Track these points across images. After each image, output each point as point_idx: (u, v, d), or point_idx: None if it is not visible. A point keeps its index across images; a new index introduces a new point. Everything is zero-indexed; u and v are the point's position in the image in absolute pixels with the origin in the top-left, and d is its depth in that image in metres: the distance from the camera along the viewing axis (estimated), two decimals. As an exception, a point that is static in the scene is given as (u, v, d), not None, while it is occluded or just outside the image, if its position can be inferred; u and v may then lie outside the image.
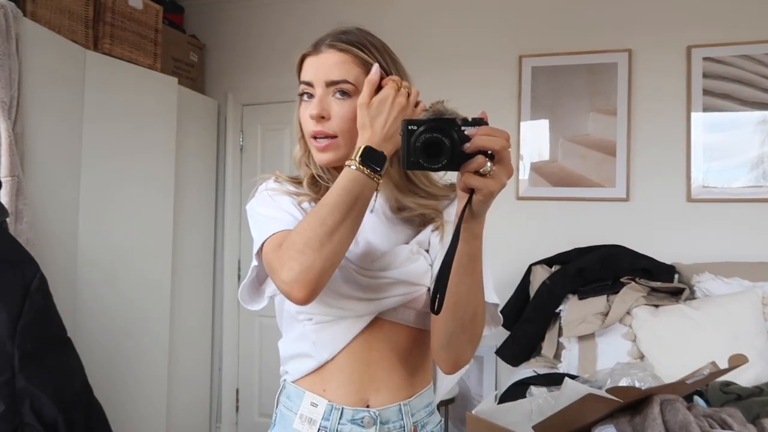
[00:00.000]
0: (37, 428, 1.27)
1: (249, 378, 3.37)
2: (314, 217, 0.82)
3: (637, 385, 1.45)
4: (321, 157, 0.95)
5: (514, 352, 2.55)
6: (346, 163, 0.85)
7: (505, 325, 2.65)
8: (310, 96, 0.94)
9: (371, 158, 0.84)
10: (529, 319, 2.52)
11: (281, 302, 1.03)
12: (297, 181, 1.02)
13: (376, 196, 0.98)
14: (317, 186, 0.99)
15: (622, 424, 1.23)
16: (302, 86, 0.95)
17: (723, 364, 1.37)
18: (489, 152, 0.73)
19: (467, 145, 0.73)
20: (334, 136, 0.93)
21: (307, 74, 0.95)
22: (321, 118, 0.92)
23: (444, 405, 2.64)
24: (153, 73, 2.78)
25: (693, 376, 1.31)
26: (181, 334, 3.07)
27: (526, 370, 2.38)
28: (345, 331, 0.94)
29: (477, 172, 0.74)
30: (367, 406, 0.95)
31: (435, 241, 0.98)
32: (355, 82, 0.92)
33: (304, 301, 0.81)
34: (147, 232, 2.75)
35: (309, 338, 0.96)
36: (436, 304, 0.78)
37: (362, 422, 0.93)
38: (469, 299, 0.86)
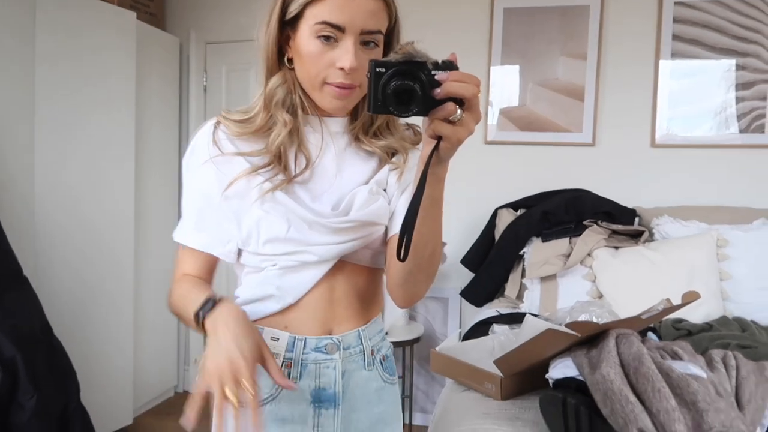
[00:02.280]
0: None
1: (217, 321, 3.37)
2: (180, 303, 0.93)
3: (594, 320, 1.50)
4: (335, 104, 0.90)
5: (478, 293, 2.61)
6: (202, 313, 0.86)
7: (470, 268, 2.71)
8: (332, 39, 0.86)
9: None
10: (493, 262, 2.56)
11: (238, 252, 0.98)
12: (246, 119, 0.95)
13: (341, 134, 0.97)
14: (266, 135, 0.93)
15: (578, 357, 1.28)
16: (324, 27, 0.85)
17: (677, 302, 1.42)
18: (459, 99, 0.72)
19: (437, 91, 0.71)
20: (355, 86, 0.89)
21: (337, 17, 0.85)
22: (353, 70, 0.86)
23: (409, 344, 2.70)
24: (109, 6, 2.64)
25: (648, 312, 1.36)
26: (146, 274, 3.04)
27: (489, 310, 2.43)
28: (310, 276, 0.95)
29: (446, 120, 0.72)
30: (330, 335, 0.96)
31: (392, 181, 0.98)
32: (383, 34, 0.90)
33: None
34: (108, 174, 2.68)
35: (273, 283, 0.95)
36: (402, 251, 0.78)
37: (326, 349, 0.95)
38: (428, 240, 0.86)
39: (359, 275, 0.99)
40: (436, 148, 0.75)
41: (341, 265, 0.96)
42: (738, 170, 2.63)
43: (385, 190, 0.98)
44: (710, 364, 1.20)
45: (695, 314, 2.08)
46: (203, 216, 0.95)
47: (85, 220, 2.56)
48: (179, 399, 3.33)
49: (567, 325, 1.24)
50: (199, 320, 0.85)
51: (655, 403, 1.08)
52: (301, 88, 0.93)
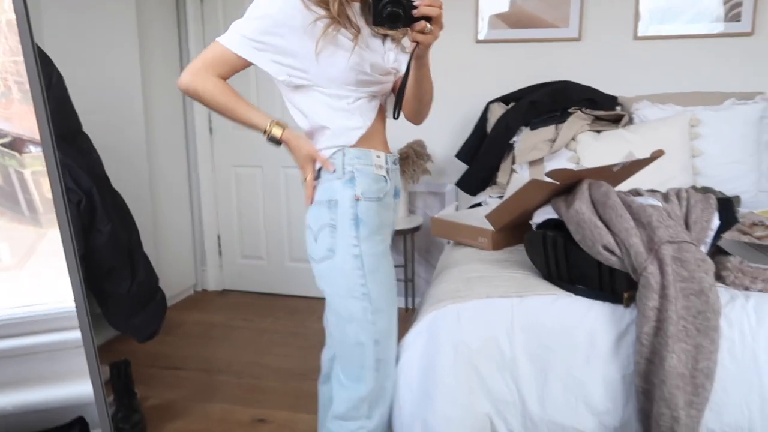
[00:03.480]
0: (78, 192, 1.47)
1: (229, 224, 3.61)
2: (220, 99, 1.27)
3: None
4: None
5: (472, 182, 2.82)
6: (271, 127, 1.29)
7: (464, 160, 2.91)
8: None
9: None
10: (486, 152, 2.76)
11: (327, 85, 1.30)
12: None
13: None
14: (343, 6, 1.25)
15: (557, 202, 1.50)
16: None
17: (650, 175, 1.64)
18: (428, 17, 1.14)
19: (414, 12, 1.14)
20: None
21: None
22: None
23: (409, 233, 2.95)
24: None
25: (618, 164, 1.57)
26: (159, 189, 3.25)
27: (482, 197, 2.66)
28: (375, 104, 1.37)
29: (421, 32, 1.15)
30: (390, 153, 1.42)
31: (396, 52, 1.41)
32: None
33: (183, 82, 1.27)
34: (114, 92, 2.81)
35: (356, 113, 1.31)
36: (396, 112, 1.32)
37: (395, 162, 1.42)
38: (427, 90, 1.36)
39: (381, 110, 1.42)
40: (415, 49, 1.22)
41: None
42: (714, 58, 2.78)
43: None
44: (666, 198, 1.42)
45: (667, 186, 2.31)
46: (267, 40, 1.24)
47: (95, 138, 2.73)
48: (199, 296, 3.62)
49: (547, 174, 1.45)
50: (278, 129, 1.30)
51: (617, 225, 1.30)
52: None
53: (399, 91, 1.28)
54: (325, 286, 1.33)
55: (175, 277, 3.43)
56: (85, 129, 2.61)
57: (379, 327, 1.31)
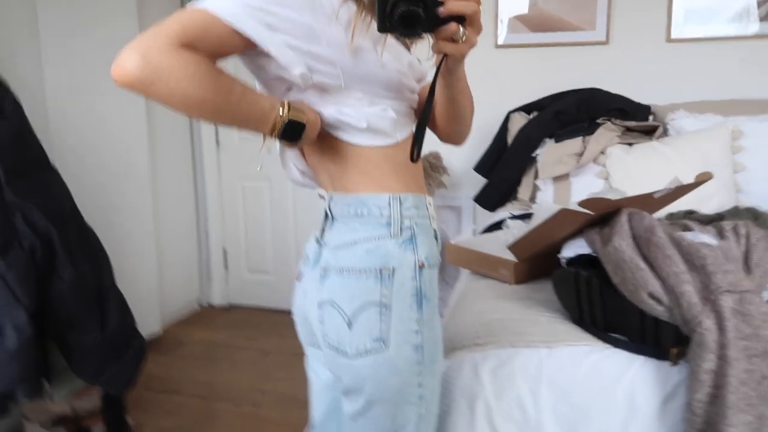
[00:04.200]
0: (30, 237, 1.31)
1: (235, 238, 3.46)
2: (217, 86, 0.77)
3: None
4: None
5: (491, 197, 2.63)
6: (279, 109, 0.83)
7: (483, 174, 2.71)
8: None
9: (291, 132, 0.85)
10: (506, 165, 2.56)
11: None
12: None
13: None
14: None
15: (590, 235, 1.31)
16: None
17: (690, 193, 1.44)
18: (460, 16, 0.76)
19: (441, 9, 0.76)
20: None
21: None
22: None
23: (424, 250, 2.76)
24: None
25: (660, 191, 1.38)
26: (164, 201, 3.11)
27: (503, 213, 2.46)
28: (410, 120, 0.98)
29: (449, 39, 0.78)
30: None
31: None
32: None
33: (128, 70, 0.72)
34: (115, 100, 2.67)
35: (391, 112, 0.93)
36: (415, 154, 0.85)
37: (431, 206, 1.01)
38: (466, 106, 0.99)
39: None
40: (442, 62, 0.84)
41: None
42: (755, 62, 2.56)
43: None
44: (721, 234, 1.22)
45: (707, 206, 2.09)
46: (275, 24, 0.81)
47: (100, 149, 2.58)
48: (204, 312, 3.47)
49: (580, 204, 1.26)
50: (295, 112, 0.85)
51: (665, 268, 1.11)
52: None
53: (419, 123, 0.85)
54: (364, 388, 0.91)
55: (179, 292, 3.29)
56: (83, 139, 2.48)
57: None
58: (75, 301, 1.38)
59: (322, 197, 1.00)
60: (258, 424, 2.23)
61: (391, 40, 0.90)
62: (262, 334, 3.09)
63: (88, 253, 1.47)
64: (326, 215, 0.98)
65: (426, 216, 0.96)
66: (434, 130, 1.07)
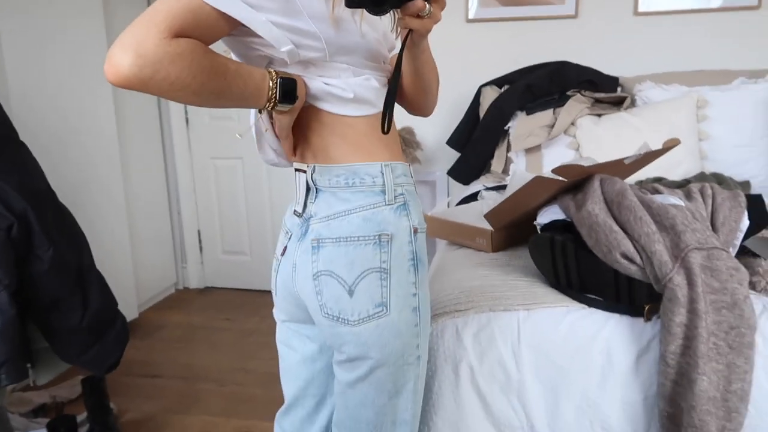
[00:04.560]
0: (7, 216, 1.28)
1: (209, 219, 3.43)
2: (212, 67, 0.77)
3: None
4: None
5: (464, 171, 2.66)
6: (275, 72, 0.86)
7: (456, 148, 2.74)
8: None
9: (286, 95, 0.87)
10: (478, 139, 2.59)
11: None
12: None
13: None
14: None
15: (565, 201, 1.34)
16: None
17: (654, 162, 1.48)
18: None
19: None
20: None
21: None
22: None
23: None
24: None
25: (630, 157, 1.42)
26: (135, 184, 3.07)
27: (476, 186, 2.50)
28: (383, 90, 0.98)
29: (416, 15, 0.82)
30: None
31: None
32: None
33: (125, 68, 0.71)
34: (81, 84, 2.61)
35: (376, 82, 0.95)
36: (386, 125, 0.88)
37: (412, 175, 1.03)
38: (431, 78, 1.04)
39: None
40: (407, 38, 0.89)
41: None
42: (718, 34, 2.62)
43: None
44: (688, 196, 1.27)
45: (675, 172, 2.17)
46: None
47: (67, 130, 2.52)
48: (180, 295, 3.45)
49: (553, 170, 1.29)
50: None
51: (637, 229, 1.15)
52: None
53: (388, 95, 0.89)
54: (369, 353, 0.93)
55: (154, 276, 3.26)
56: (51, 124, 2.42)
57: (420, 395, 1.01)
58: (55, 281, 1.36)
59: (300, 171, 1.00)
60: (243, 402, 2.25)
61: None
62: (241, 315, 3.10)
63: (66, 233, 1.45)
64: (308, 188, 0.97)
65: (412, 183, 0.99)
66: (402, 103, 1.09)
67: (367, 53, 0.92)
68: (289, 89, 0.86)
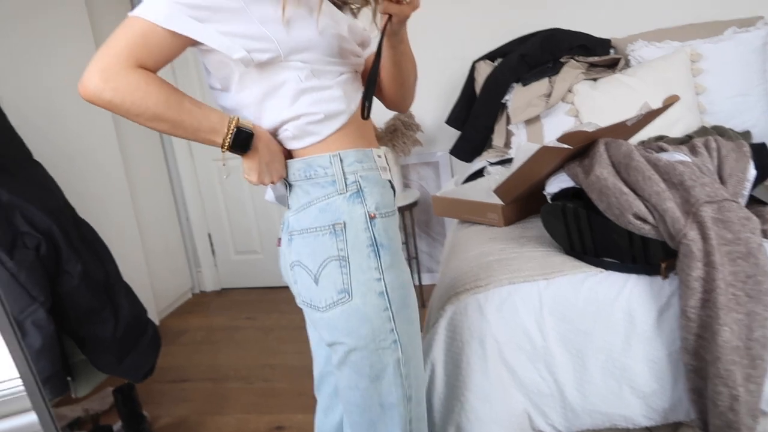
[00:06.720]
0: (35, 235, 1.31)
1: (218, 222, 3.46)
2: (159, 98, 0.84)
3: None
4: None
5: (466, 148, 2.67)
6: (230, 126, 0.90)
7: (456, 126, 2.75)
8: None
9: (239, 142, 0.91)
10: (477, 115, 2.60)
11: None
12: None
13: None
14: None
15: (572, 168, 1.36)
16: None
17: (658, 119, 1.49)
18: None
19: None
20: None
21: None
22: None
23: (408, 209, 2.81)
24: None
25: (632, 118, 1.43)
26: (141, 196, 3.08)
27: (480, 163, 2.51)
28: (358, 85, 1.03)
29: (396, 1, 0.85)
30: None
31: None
32: None
33: (90, 89, 0.83)
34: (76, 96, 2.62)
35: (340, 96, 0.98)
36: (366, 111, 0.92)
37: (388, 161, 1.07)
38: (410, 70, 1.07)
39: None
40: (387, 24, 0.90)
41: None
42: (708, -16, 2.61)
43: None
44: (693, 151, 1.29)
45: (674, 129, 2.17)
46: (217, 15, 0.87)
47: (67, 144, 2.54)
48: (198, 299, 3.49)
49: (558, 139, 1.31)
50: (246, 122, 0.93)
51: (646, 188, 1.17)
52: None
53: (369, 81, 0.91)
54: (340, 339, 0.97)
55: (170, 283, 3.30)
56: (52, 139, 2.44)
57: (411, 379, 1.02)
58: (86, 294, 1.40)
59: None
60: (272, 398, 2.29)
61: (327, 5, 0.94)
62: (261, 313, 3.13)
63: (90, 246, 1.48)
64: (285, 183, 1.02)
65: (374, 168, 1.00)
66: (380, 96, 1.13)
67: (327, 49, 0.94)
68: (242, 138, 0.91)
